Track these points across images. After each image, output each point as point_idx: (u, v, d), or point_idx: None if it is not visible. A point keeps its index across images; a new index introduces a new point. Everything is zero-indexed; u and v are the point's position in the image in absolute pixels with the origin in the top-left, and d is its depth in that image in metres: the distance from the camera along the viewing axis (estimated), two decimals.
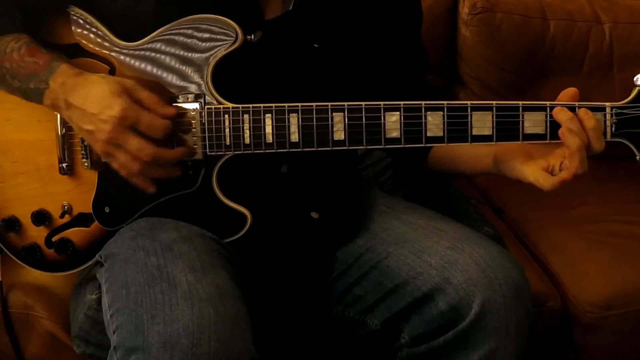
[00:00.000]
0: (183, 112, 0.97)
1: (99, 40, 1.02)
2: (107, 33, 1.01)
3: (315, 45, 1.03)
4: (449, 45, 1.68)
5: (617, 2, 1.71)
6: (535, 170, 0.94)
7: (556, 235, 1.44)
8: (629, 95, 0.93)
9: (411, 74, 1.13)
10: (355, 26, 1.06)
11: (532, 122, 0.93)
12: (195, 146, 0.97)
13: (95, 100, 0.93)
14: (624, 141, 0.94)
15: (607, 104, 0.93)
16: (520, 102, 0.93)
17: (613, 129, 0.93)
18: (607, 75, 1.67)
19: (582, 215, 1.48)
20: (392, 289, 1.03)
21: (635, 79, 0.92)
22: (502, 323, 0.97)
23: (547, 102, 0.94)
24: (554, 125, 0.93)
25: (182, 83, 0.98)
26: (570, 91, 0.94)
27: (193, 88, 0.98)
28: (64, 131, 1.03)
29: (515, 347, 0.99)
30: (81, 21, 1.02)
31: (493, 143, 0.95)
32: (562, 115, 0.92)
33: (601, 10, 1.68)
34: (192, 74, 0.98)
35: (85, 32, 1.02)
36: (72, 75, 0.96)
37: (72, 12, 1.03)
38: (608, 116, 0.93)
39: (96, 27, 1.02)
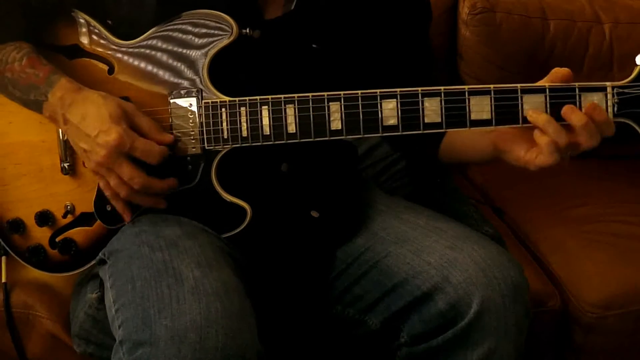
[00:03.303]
0: (181, 107, 0.98)
1: (97, 40, 1.03)
2: (106, 33, 1.02)
3: (314, 45, 1.03)
4: (449, 45, 1.68)
5: (617, 2, 1.71)
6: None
7: (556, 235, 1.44)
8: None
9: (415, 76, 1.13)
10: (356, 28, 1.06)
11: (532, 105, 0.92)
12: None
13: (92, 122, 0.94)
14: (627, 121, 0.92)
15: (608, 83, 0.92)
16: (519, 85, 0.93)
17: (615, 109, 0.92)
18: (607, 75, 1.67)
19: (582, 215, 1.48)
20: (391, 288, 1.03)
21: (636, 58, 0.91)
22: (501, 322, 0.97)
23: (546, 84, 0.93)
24: (555, 107, 0.92)
25: (179, 78, 0.99)
26: (562, 72, 0.93)
27: (190, 83, 0.99)
28: (65, 136, 1.03)
29: (514, 347, 0.99)
30: (80, 22, 1.03)
31: (491, 131, 0.93)
32: (536, 118, 0.91)
33: (601, 10, 1.68)
34: (189, 69, 0.99)
35: (84, 32, 1.03)
36: (70, 91, 0.97)
37: (73, 15, 1.04)
38: (609, 96, 0.92)
39: (94, 27, 1.03)
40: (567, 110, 0.91)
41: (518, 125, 0.93)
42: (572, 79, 0.93)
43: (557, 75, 0.93)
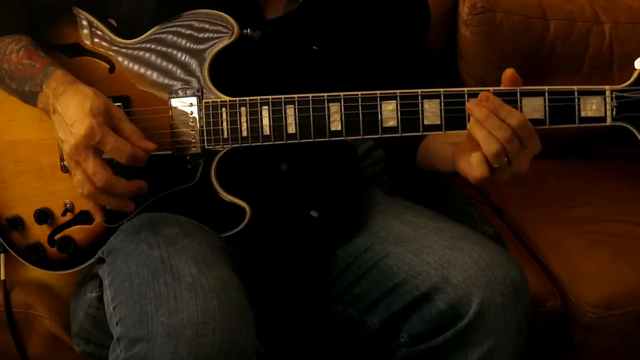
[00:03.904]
0: (181, 107, 0.98)
1: (98, 39, 1.03)
2: (107, 31, 1.02)
3: (314, 47, 1.03)
4: (449, 45, 1.68)
5: (617, 2, 1.71)
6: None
7: (556, 235, 1.44)
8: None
9: (415, 78, 1.13)
10: (356, 30, 1.06)
11: (532, 107, 0.92)
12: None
13: (73, 111, 0.93)
14: (625, 125, 0.92)
15: (607, 87, 0.92)
16: (518, 88, 0.93)
17: (614, 112, 0.92)
18: (607, 75, 1.67)
19: (582, 215, 1.48)
20: (391, 288, 1.03)
21: (635, 62, 0.91)
22: (501, 322, 0.97)
23: (546, 87, 0.93)
24: (554, 111, 0.92)
25: (179, 78, 0.99)
26: (506, 73, 0.93)
27: (190, 82, 0.99)
28: None
29: (514, 347, 0.99)
30: (81, 21, 1.04)
31: (455, 143, 0.94)
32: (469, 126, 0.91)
33: (601, 10, 1.68)
34: (189, 69, 0.99)
35: (85, 31, 1.03)
36: (65, 83, 0.97)
37: (74, 12, 1.04)
38: (608, 99, 0.91)
39: (96, 26, 1.03)
40: (469, 105, 0.91)
41: None
42: (515, 76, 0.92)
43: (504, 78, 0.93)
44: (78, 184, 0.95)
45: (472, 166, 0.92)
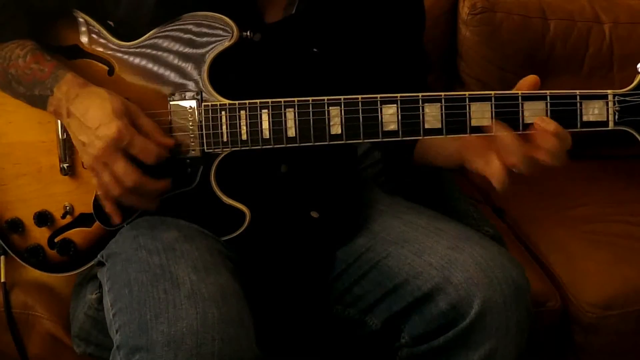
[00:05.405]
0: (181, 109, 0.98)
1: (97, 40, 1.03)
2: (106, 33, 1.02)
3: (314, 49, 1.03)
4: (449, 45, 1.68)
5: (617, 2, 1.71)
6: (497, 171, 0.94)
7: (556, 235, 1.44)
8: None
9: (412, 79, 1.13)
10: (356, 32, 1.06)
11: (533, 112, 0.92)
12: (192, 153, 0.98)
13: (95, 115, 0.94)
14: (628, 129, 0.92)
15: (609, 91, 0.91)
16: (520, 92, 0.92)
17: (616, 117, 0.91)
18: (607, 75, 1.68)
19: (582, 215, 1.48)
20: (392, 289, 1.03)
21: (638, 66, 0.90)
22: (503, 323, 0.97)
23: (547, 92, 0.92)
24: (555, 115, 0.92)
25: (179, 80, 0.99)
26: (529, 79, 0.93)
27: (190, 85, 0.98)
28: (65, 136, 1.03)
29: (515, 347, 0.99)
30: (80, 23, 1.03)
31: (459, 138, 0.94)
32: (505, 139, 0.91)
33: (601, 10, 1.68)
34: (189, 71, 0.99)
35: (84, 33, 1.03)
36: (76, 85, 0.97)
37: (74, 15, 1.03)
38: (610, 104, 0.91)
39: (95, 28, 1.03)
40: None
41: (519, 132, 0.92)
42: (539, 84, 0.93)
43: (524, 84, 0.93)
44: (105, 186, 0.96)
45: (495, 173, 0.92)
